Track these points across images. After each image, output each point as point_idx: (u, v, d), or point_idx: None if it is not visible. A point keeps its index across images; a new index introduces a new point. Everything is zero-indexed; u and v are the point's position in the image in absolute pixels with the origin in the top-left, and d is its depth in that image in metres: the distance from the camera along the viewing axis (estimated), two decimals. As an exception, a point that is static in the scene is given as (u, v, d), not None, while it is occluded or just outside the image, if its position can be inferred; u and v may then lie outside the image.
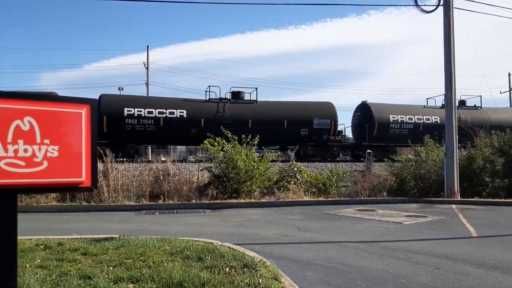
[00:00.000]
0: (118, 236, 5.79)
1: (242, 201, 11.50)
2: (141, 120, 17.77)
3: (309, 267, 4.92)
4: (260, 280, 3.60)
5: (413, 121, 20.99)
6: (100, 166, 11.92)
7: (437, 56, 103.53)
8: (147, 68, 28.17)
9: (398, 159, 13.88)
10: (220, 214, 10.07)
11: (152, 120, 17.88)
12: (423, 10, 12.54)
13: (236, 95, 19.71)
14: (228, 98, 19.46)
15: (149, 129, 17.89)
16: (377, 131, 20.30)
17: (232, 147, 12.34)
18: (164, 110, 18.10)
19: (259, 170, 12.27)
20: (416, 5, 12.40)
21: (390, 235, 7.18)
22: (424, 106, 22.28)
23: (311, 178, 13.32)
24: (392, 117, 20.70)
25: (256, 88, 19.87)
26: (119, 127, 17.36)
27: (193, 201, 11.59)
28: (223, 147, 12.50)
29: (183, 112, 18.30)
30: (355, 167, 17.75)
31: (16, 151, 2.21)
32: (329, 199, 12.07)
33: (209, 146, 12.73)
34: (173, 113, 18.20)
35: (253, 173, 12.19)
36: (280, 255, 5.55)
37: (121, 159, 15.30)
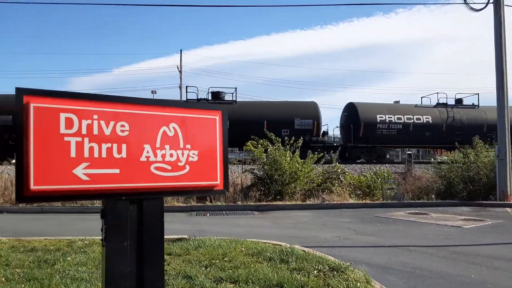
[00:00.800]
0: (187, 236, 5.94)
1: (288, 203, 11.51)
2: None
3: (387, 271, 4.87)
4: (358, 284, 3.59)
5: (402, 121, 20.00)
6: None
7: (467, 54, 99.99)
8: (180, 72, 28.69)
9: (446, 160, 13.51)
10: (268, 215, 10.12)
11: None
12: (472, 8, 12.18)
13: (216, 96, 19.88)
14: (207, 98, 19.64)
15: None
16: (363, 131, 19.56)
17: (276, 149, 12.37)
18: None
19: (302, 172, 12.25)
20: (465, 2, 12.06)
21: (453, 239, 7.01)
22: (416, 105, 21.34)
23: (353, 180, 13.17)
24: (380, 117, 19.83)
25: (236, 88, 19.95)
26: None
27: (239, 202, 11.70)
28: (266, 149, 12.57)
29: None
30: (395, 169, 17.40)
31: (163, 155, 2.32)
32: (376, 201, 11.89)
33: (252, 148, 12.82)
34: None
35: (297, 175, 12.17)
36: (351, 258, 5.50)
37: None
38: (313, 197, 12.24)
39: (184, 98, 30.18)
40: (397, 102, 29.00)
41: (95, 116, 2.13)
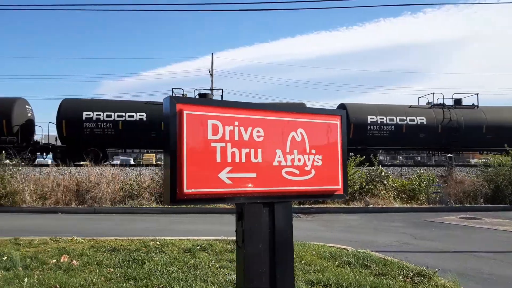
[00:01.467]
0: None
1: (332, 206, 11.44)
2: (100, 124, 17.87)
3: (465, 278, 4.76)
4: (452, 290, 3.54)
5: (395, 122, 19.22)
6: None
7: (500, 54, 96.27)
8: (211, 75, 29.05)
9: (493, 164, 13.09)
10: (315, 218, 10.09)
11: (111, 124, 17.94)
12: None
13: (203, 97, 19.73)
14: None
15: (107, 133, 17.93)
16: (353, 133, 18.80)
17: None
18: (124, 114, 18.12)
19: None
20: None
21: (518, 246, 6.79)
22: (410, 106, 20.32)
23: (396, 183, 12.94)
24: (371, 118, 19.15)
25: (222, 90, 20.26)
26: (78, 131, 17.56)
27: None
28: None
29: (142, 116, 18.16)
30: (435, 172, 16.97)
31: (292, 160, 2.39)
32: (423, 206, 11.65)
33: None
34: (132, 116, 18.09)
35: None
36: (420, 264, 5.43)
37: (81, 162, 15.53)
38: (355, 200, 12.11)
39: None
40: (430, 103, 28.27)
41: (236, 123, 2.23)
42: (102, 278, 3.73)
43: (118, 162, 30.13)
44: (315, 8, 33.38)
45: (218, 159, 2.16)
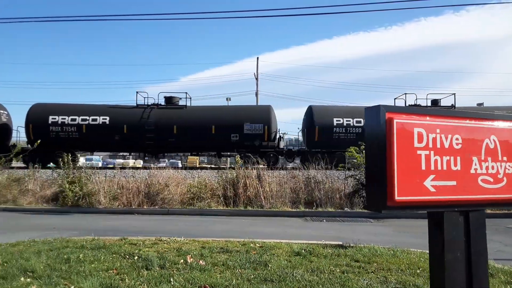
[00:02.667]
0: (342, 243, 5.99)
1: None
2: (65, 127, 18.37)
3: None
4: None
5: (362, 124, 18.40)
6: (253, 171, 12.64)
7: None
8: (256, 78, 29.27)
9: None
10: (387, 223, 9.88)
11: (75, 127, 18.38)
12: None
13: (169, 101, 19.69)
14: (157, 103, 19.29)
15: (72, 136, 18.36)
16: (318, 135, 18.45)
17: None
18: (88, 117, 18.45)
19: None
20: None
21: None
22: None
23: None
24: (337, 120, 18.57)
25: (186, 93, 19.74)
26: (44, 135, 17.72)
27: (347, 209, 11.59)
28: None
29: (106, 119, 18.42)
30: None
31: (487, 168, 2.34)
32: (497, 212, 11.07)
33: (355, 153, 12.66)
34: (96, 120, 18.45)
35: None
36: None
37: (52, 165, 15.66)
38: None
39: (259, 103, 30.84)
40: (481, 104, 26.79)
41: (438, 130, 2.23)
42: (239, 279, 3.84)
43: (164, 164, 31.12)
44: (352, 11, 32.84)
45: (423, 167, 2.17)
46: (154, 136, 17.82)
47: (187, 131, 18.20)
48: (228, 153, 19.65)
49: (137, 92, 19.46)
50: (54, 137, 18.40)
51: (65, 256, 4.51)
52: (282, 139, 20.80)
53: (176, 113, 19.00)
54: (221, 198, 12.07)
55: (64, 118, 18.51)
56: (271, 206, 11.75)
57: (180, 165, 31.46)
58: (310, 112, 19.43)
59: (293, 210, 11.33)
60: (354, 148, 12.74)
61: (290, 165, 21.66)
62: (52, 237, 6.08)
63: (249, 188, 12.31)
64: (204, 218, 10.49)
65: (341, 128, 18.64)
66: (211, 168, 19.23)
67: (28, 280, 3.68)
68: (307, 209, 11.53)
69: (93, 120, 18.49)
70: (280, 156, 19.94)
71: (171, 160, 31.99)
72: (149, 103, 19.43)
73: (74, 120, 18.53)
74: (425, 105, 20.02)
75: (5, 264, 4.21)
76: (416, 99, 20.23)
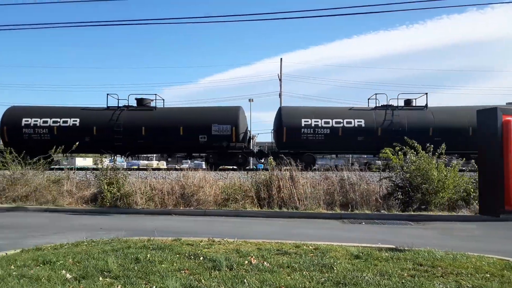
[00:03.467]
0: (394, 246, 5.92)
1: (440, 213, 10.95)
2: (37, 129, 18.74)
3: None
4: None
5: (330, 125, 18.34)
6: (287, 173, 12.63)
7: None
8: (280, 80, 29.25)
9: None
10: (429, 226, 9.70)
11: (47, 129, 18.74)
12: None
13: (140, 102, 19.88)
14: (127, 105, 19.54)
15: (44, 138, 18.65)
16: (286, 136, 18.27)
17: (419, 156, 11.89)
18: (59, 120, 18.86)
19: (450, 180, 11.56)
20: None
21: None
22: (350, 108, 19.32)
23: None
24: (305, 121, 18.36)
25: (156, 95, 20.03)
26: (18, 137, 18.20)
27: (383, 211, 11.44)
28: (406, 155, 12.17)
29: (76, 121, 18.84)
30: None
31: None
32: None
33: (390, 155, 12.48)
34: (66, 122, 18.85)
35: (445, 184, 11.53)
36: None
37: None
38: (462, 207, 11.47)
39: (282, 104, 30.72)
40: (510, 103, 25.93)
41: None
42: (311, 281, 3.83)
43: (187, 165, 31.38)
44: (371, 12, 32.33)
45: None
46: (122, 137, 18.32)
47: (155, 132, 18.57)
48: (198, 154, 19.93)
49: (107, 94, 19.98)
50: (27, 139, 18.92)
51: (132, 256, 4.61)
52: (252, 139, 20.94)
53: (145, 115, 19.35)
54: (255, 200, 12.11)
55: (37, 121, 19.10)
56: (306, 207, 11.71)
57: (204, 166, 31.83)
58: (279, 113, 19.49)
59: (329, 212, 11.26)
60: (389, 150, 12.57)
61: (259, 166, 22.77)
62: (107, 238, 6.23)
63: (282, 189, 12.31)
64: (241, 219, 10.54)
65: (309, 129, 18.52)
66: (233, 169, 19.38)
67: (108, 280, 3.78)
68: (343, 211, 11.43)
69: (64, 122, 19.01)
70: (251, 157, 20.15)
71: (195, 162, 32.31)
72: (121, 105, 19.87)
73: (46, 122, 19.06)
74: (397, 105, 19.65)
75: (78, 264, 4.33)
76: (388, 99, 20.03)
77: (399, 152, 12.32)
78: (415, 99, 19.82)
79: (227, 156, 18.77)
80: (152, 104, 20.21)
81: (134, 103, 20.20)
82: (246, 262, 4.48)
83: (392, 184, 12.47)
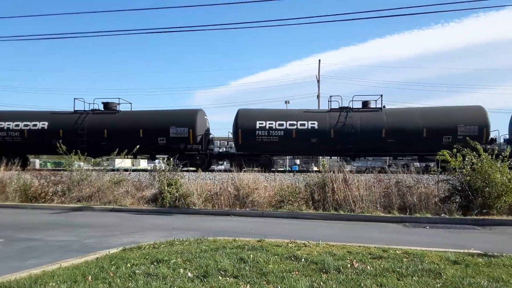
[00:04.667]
0: (481, 252, 5.80)
1: (505, 218, 10.58)
2: (10, 132, 20.18)
3: None
4: None
5: (284, 127, 18.59)
6: (340, 175, 12.59)
7: None
8: (318, 81, 29.11)
9: None
10: (497, 231, 9.43)
11: (18, 132, 20.11)
12: None
13: (106, 106, 20.72)
14: (93, 109, 20.44)
15: (16, 141, 20.09)
16: (241, 138, 18.76)
17: (481, 158, 11.54)
18: (29, 123, 20.15)
19: (514, 183, 11.13)
20: None
21: None
22: (305, 111, 19.27)
23: None
24: (260, 123, 18.70)
25: (119, 98, 20.77)
26: None
27: (443, 215, 11.19)
28: (464, 158, 11.84)
29: (44, 124, 20.06)
30: None
31: None
32: None
33: (448, 157, 12.16)
34: (36, 125, 20.13)
35: (508, 187, 11.11)
36: None
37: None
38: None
39: (322, 107, 30.53)
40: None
41: None
42: (427, 287, 3.85)
43: (223, 167, 31.77)
44: (403, 15, 31.47)
45: None
46: (86, 139, 19.38)
47: (117, 135, 19.47)
48: (161, 156, 20.60)
49: (74, 99, 21.12)
50: (1, 141, 20.36)
51: (236, 256, 4.79)
52: (212, 141, 21.34)
53: (108, 118, 20.39)
54: (310, 202, 12.16)
55: (10, 124, 20.46)
56: (362, 210, 11.63)
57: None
58: (236, 116, 19.90)
59: (388, 215, 11.15)
60: (447, 152, 12.26)
61: (219, 168, 23.61)
62: (192, 238, 6.48)
63: (336, 191, 12.29)
64: (299, 221, 10.62)
65: (264, 131, 18.80)
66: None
67: (228, 279, 3.95)
68: (401, 214, 11.27)
69: (33, 125, 20.30)
70: (214, 159, 20.57)
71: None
72: (88, 109, 20.96)
73: (18, 125, 20.45)
74: (352, 107, 19.48)
75: (189, 263, 4.55)
76: (341, 101, 19.96)
77: (458, 154, 12.00)
78: (376, 100, 19.74)
79: (186, 158, 19.38)
80: (119, 107, 21.32)
81: (102, 107, 21.47)
82: (349, 265, 4.55)
83: (450, 187, 12.16)
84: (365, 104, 19.76)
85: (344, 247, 5.88)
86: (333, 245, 5.98)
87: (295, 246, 5.72)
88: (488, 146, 17.80)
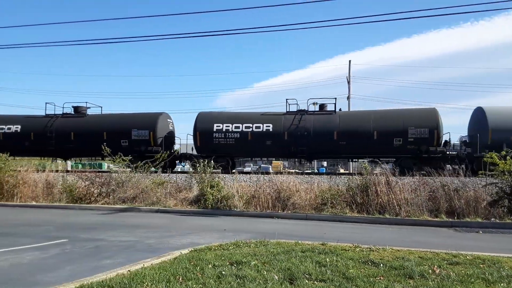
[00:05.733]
0: None
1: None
2: None
3: None
4: None
5: (240, 129, 18.94)
6: (382, 177, 12.43)
7: None
8: (348, 82, 28.83)
9: None
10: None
11: None
12: None
13: (76, 110, 21.63)
14: (63, 113, 21.18)
15: None
16: (199, 141, 19.31)
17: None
18: (4, 126, 21.33)
19: None
20: None
21: None
22: (262, 114, 19.57)
23: None
24: (217, 126, 19.18)
25: (86, 102, 22.15)
26: None
27: (493, 219, 10.89)
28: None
29: (18, 128, 21.19)
30: None
31: None
32: None
33: (497, 160, 11.81)
34: (10, 128, 21.28)
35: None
36: None
37: None
38: None
39: (352, 109, 30.34)
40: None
41: None
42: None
43: (250, 169, 31.92)
44: (428, 16, 30.67)
45: None
46: (54, 142, 20.32)
47: (83, 137, 20.39)
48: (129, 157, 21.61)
49: (46, 103, 22.17)
50: None
51: (312, 260, 4.83)
52: (174, 143, 21.89)
53: (75, 121, 21.23)
54: (354, 205, 12.06)
55: None
56: (408, 214, 11.44)
57: (271, 170, 32.17)
58: (196, 118, 20.31)
59: (436, 219, 10.94)
60: (495, 155, 11.92)
61: (183, 169, 24.41)
62: (246, 239, 6.57)
63: (380, 194, 12.14)
64: (343, 224, 10.58)
65: (221, 134, 19.21)
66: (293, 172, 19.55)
67: (317, 283, 3.99)
68: (450, 219, 11.02)
69: (8, 128, 21.46)
70: (172, 161, 20.65)
71: (262, 166, 32.86)
72: (59, 113, 21.61)
73: None
74: (307, 110, 19.49)
75: (266, 265, 4.62)
76: (297, 103, 19.68)
77: (507, 157, 11.64)
78: (334, 103, 19.54)
79: (146, 159, 19.55)
80: (89, 111, 22.14)
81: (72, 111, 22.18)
82: (430, 270, 4.50)
83: (499, 190, 11.81)
84: (322, 107, 19.98)
85: (411, 252, 5.82)
86: (399, 250, 5.93)
87: (361, 251, 5.70)
88: (438, 149, 17.71)
